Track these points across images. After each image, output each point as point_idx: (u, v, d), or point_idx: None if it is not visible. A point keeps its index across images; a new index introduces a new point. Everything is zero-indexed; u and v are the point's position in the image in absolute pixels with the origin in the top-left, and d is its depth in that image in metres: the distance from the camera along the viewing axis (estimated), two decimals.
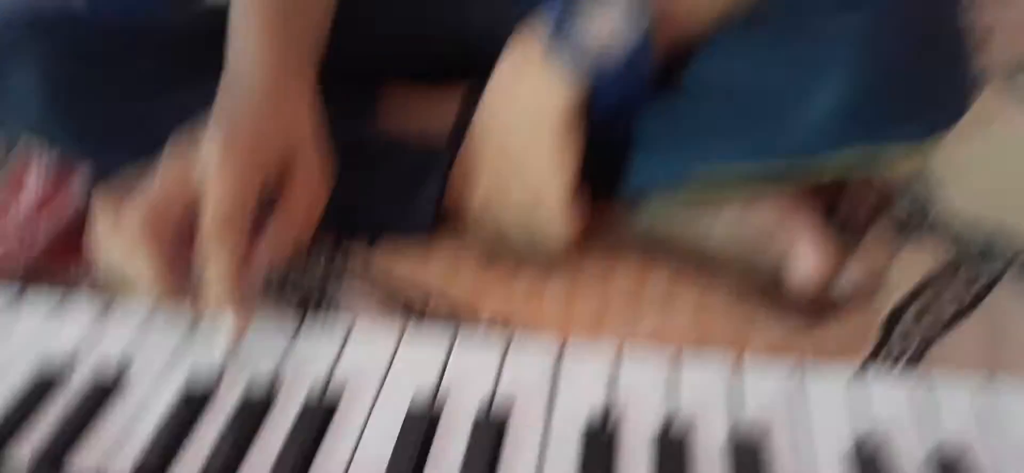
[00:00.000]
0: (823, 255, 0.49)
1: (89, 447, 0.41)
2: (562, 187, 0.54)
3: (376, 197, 0.62)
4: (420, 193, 0.62)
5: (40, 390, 0.44)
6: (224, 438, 0.41)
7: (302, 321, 0.47)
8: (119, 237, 0.45)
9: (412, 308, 0.56)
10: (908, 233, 0.60)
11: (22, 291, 0.60)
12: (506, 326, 0.54)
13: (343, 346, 0.45)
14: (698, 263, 0.57)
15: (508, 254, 0.59)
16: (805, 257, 0.49)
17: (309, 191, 0.51)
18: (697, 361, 0.41)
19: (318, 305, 0.58)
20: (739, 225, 0.54)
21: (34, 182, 0.67)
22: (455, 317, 0.55)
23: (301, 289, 0.58)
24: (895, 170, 0.59)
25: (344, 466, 0.39)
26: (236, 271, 0.45)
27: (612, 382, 0.41)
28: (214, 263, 0.45)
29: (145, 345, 0.46)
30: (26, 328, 0.48)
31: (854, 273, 0.52)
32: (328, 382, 0.43)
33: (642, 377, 0.41)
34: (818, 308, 0.52)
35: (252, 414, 0.42)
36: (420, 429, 0.40)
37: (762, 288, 0.54)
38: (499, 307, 0.55)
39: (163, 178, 0.47)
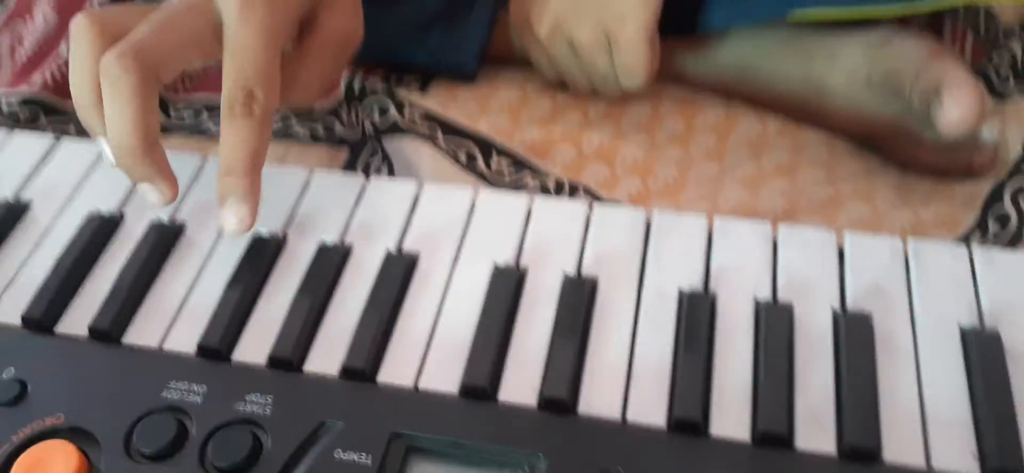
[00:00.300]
0: (978, 97, 0.45)
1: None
2: (649, 15, 0.50)
3: (417, 29, 0.57)
4: (468, 21, 0.57)
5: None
6: (299, 301, 0.39)
7: (367, 177, 0.44)
8: (99, 63, 0.39)
9: (473, 161, 0.53)
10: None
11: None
12: (576, 184, 0.51)
13: (414, 206, 0.43)
14: (798, 109, 0.53)
15: (576, 95, 0.56)
16: (959, 97, 0.44)
17: (341, 26, 0.46)
18: (796, 232, 0.39)
19: (370, 160, 0.55)
20: (872, 63, 0.49)
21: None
22: (522, 172, 0.52)
23: (350, 142, 0.55)
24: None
25: (430, 327, 0.38)
26: (258, 157, 0.39)
27: (706, 250, 0.39)
28: (236, 144, 0.39)
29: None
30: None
31: (993, 130, 0.48)
32: (401, 244, 0.41)
33: (738, 246, 0.39)
34: (950, 162, 0.49)
35: (324, 276, 0.40)
36: (508, 289, 0.38)
37: (888, 135, 0.50)
38: (569, 162, 0.52)
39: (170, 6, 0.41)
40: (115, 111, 0.39)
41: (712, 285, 0.38)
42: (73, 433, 0.35)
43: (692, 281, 0.38)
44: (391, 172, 0.53)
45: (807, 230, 0.39)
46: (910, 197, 0.49)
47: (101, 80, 0.39)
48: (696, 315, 0.36)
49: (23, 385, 0.36)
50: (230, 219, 0.39)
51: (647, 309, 0.37)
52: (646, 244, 0.40)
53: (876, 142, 0.52)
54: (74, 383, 0.36)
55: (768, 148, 0.53)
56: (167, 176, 0.41)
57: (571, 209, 0.42)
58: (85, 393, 0.36)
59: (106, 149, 0.41)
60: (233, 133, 0.39)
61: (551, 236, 0.41)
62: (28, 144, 0.48)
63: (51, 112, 0.59)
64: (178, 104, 0.60)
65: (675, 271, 0.39)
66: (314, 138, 0.56)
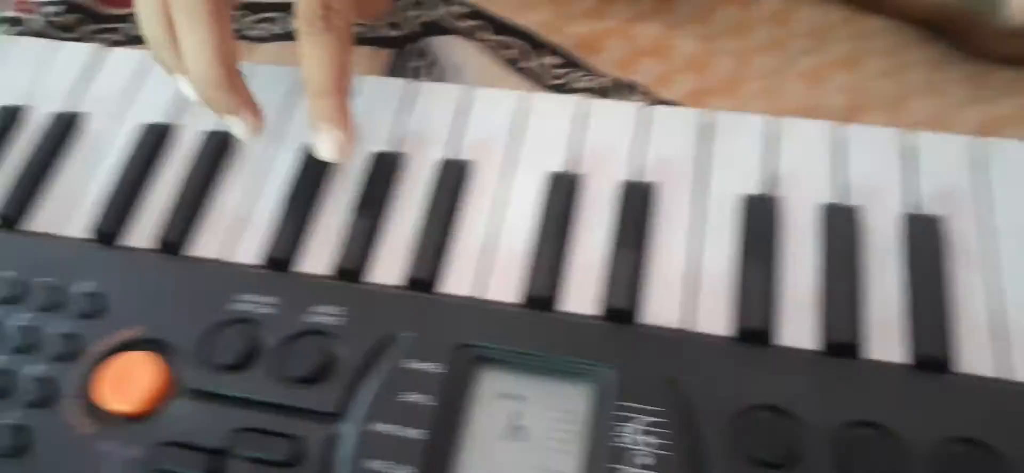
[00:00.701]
0: None
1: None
2: None
3: None
4: None
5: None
6: (360, 212, 0.39)
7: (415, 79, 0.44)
8: None
9: (519, 60, 0.52)
10: None
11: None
12: (630, 82, 0.50)
13: (465, 111, 0.42)
14: None
15: None
16: None
17: None
18: (863, 132, 0.39)
19: (415, 63, 0.54)
20: None
21: None
22: (571, 70, 0.51)
23: (393, 42, 0.54)
24: None
25: (488, 236, 0.38)
26: (346, 73, 0.38)
27: (768, 153, 0.39)
28: (320, 61, 0.37)
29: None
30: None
31: None
32: (454, 151, 0.41)
33: (802, 147, 0.38)
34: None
35: (380, 185, 0.40)
36: (565, 196, 0.38)
37: (958, 20, 0.47)
38: (620, 58, 0.51)
39: None
40: (192, 42, 0.37)
41: (776, 188, 0.38)
42: (152, 344, 0.36)
43: (754, 184, 0.38)
44: (434, 73, 0.53)
45: (875, 130, 0.38)
46: (982, 90, 0.48)
47: (173, 12, 0.38)
48: (760, 220, 0.36)
49: (102, 297, 0.37)
50: (326, 145, 0.37)
51: (709, 215, 0.37)
52: (706, 147, 0.39)
53: (945, 29, 0.50)
54: (149, 295, 0.37)
55: (830, 38, 0.51)
56: (252, 106, 0.39)
57: (628, 111, 0.41)
58: (160, 305, 0.37)
59: (185, 87, 0.40)
60: (315, 49, 0.37)
61: (608, 140, 0.40)
62: (77, 55, 0.48)
63: (92, 18, 0.59)
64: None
65: (737, 174, 0.38)
66: (356, 40, 0.55)
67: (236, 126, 0.39)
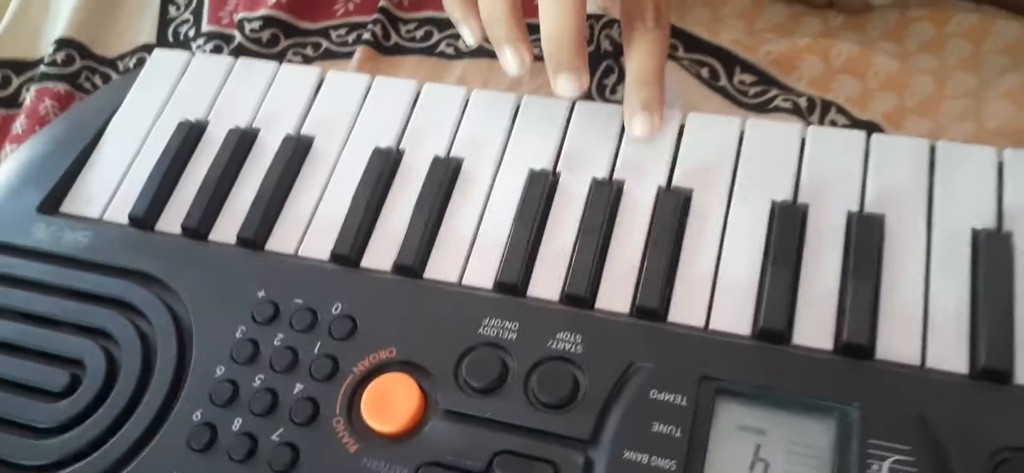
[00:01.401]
0: None
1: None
2: None
3: None
4: None
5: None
6: (585, 239, 0.41)
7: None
8: None
9: (716, 78, 0.53)
10: None
11: None
12: (827, 100, 0.50)
13: (678, 137, 0.44)
14: None
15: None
16: None
17: None
18: None
19: (606, 80, 0.56)
20: None
21: None
22: (768, 88, 0.52)
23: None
24: None
25: (713, 266, 0.39)
26: (664, 67, 0.44)
27: (998, 184, 0.39)
28: (650, 54, 0.43)
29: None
30: None
31: None
32: (670, 178, 0.43)
33: None
34: None
35: (600, 212, 0.42)
36: (793, 227, 0.39)
37: None
38: (816, 76, 0.52)
39: None
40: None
41: (1006, 223, 0.38)
42: (406, 366, 0.39)
43: (985, 219, 0.38)
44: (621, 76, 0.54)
45: None
46: None
47: None
48: (994, 256, 0.36)
49: (353, 320, 0.40)
50: (642, 126, 0.42)
51: (939, 248, 0.38)
52: (931, 177, 0.40)
53: None
54: (396, 317, 0.40)
55: None
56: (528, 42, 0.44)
57: (849, 139, 0.42)
58: (409, 328, 0.40)
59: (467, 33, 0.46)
60: (647, 44, 0.43)
61: (830, 169, 0.41)
62: (298, 78, 0.51)
63: (291, 32, 0.62)
64: (408, 19, 0.62)
65: (965, 207, 0.38)
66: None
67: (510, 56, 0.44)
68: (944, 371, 0.35)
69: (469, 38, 0.47)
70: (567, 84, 0.42)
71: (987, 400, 0.33)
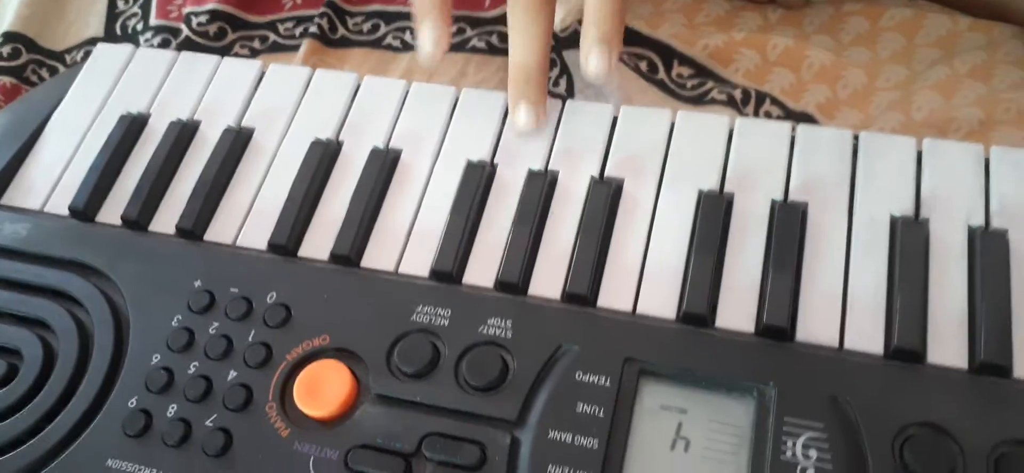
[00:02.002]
0: None
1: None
2: None
3: None
4: None
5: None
6: (518, 228, 0.42)
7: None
8: None
9: (655, 71, 0.54)
10: None
11: None
12: (762, 92, 0.52)
13: (612, 130, 0.45)
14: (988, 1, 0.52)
15: None
16: None
17: None
18: (1009, 154, 0.40)
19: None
20: None
21: None
22: (705, 81, 0.53)
23: None
24: None
25: (642, 254, 0.40)
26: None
27: (916, 173, 0.40)
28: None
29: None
30: None
31: None
32: (603, 169, 0.43)
33: (948, 168, 0.40)
34: None
35: (534, 202, 0.43)
36: (717, 215, 0.40)
37: None
38: (752, 68, 0.53)
39: None
40: None
41: (923, 211, 0.39)
42: (339, 353, 0.39)
43: (903, 206, 0.39)
44: (570, 85, 0.55)
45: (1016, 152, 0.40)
46: None
47: None
48: (911, 242, 0.38)
49: (287, 309, 0.41)
50: (598, 61, 0.43)
51: (859, 235, 0.39)
52: (854, 166, 0.41)
53: None
54: (330, 306, 0.41)
55: (960, 48, 0.52)
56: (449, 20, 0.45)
57: (775, 130, 0.43)
58: (343, 315, 0.40)
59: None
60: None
61: (756, 159, 0.42)
62: (239, 71, 0.52)
63: (239, 25, 0.63)
64: (355, 13, 0.62)
65: (886, 195, 0.40)
66: (491, 49, 0.58)
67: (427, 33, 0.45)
68: (861, 352, 0.36)
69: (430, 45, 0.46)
70: (526, 116, 0.44)
71: (899, 379, 0.34)
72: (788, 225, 0.39)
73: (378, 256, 0.43)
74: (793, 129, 0.42)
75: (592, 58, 0.43)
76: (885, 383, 0.34)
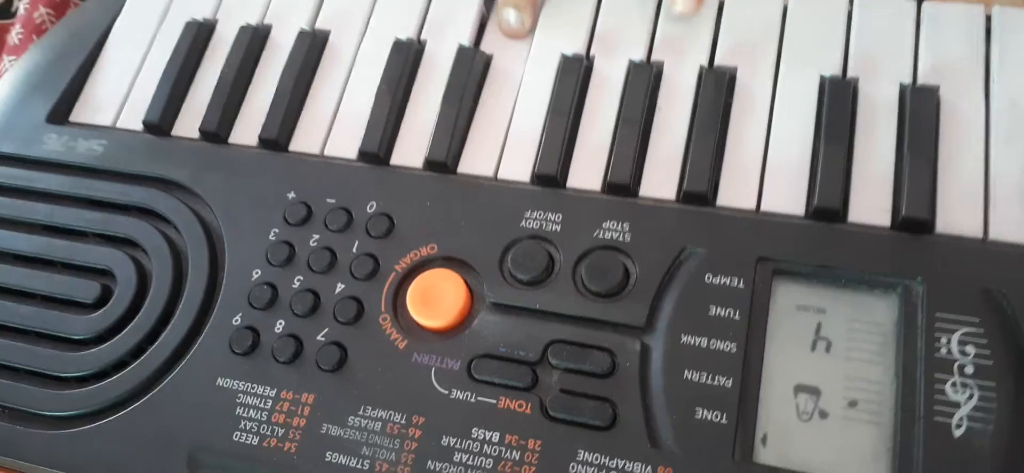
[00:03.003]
0: None
1: None
2: None
3: None
4: None
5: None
6: (624, 127, 0.40)
7: None
8: None
9: None
10: None
11: None
12: None
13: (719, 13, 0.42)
14: None
15: None
16: None
17: None
18: None
19: None
20: None
21: None
22: None
23: None
24: None
25: (763, 148, 0.38)
26: None
27: None
28: None
29: None
30: None
31: None
32: (712, 56, 0.41)
33: None
34: None
35: (641, 98, 0.40)
36: (844, 103, 0.38)
37: None
38: None
39: None
40: None
41: None
42: (449, 262, 0.38)
43: None
44: None
45: None
46: None
47: None
48: None
49: (390, 218, 0.39)
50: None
51: (999, 120, 0.36)
52: (987, 45, 0.38)
53: None
54: (433, 214, 0.39)
55: None
56: None
57: (899, 7, 0.40)
58: (448, 224, 0.39)
59: None
60: None
61: (880, 40, 0.39)
62: None
63: None
64: None
65: None
66: None
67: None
68: (1010, 242, 0.34)
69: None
70: (510, 16, 0.42)
71: None
72: (921, 111, 0.37)
73: (475, 162, 0.41)
74: (918, 7, 0.39)
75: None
76: None
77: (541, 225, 0.38)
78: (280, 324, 0.38)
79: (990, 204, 0.35)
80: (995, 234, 0.34)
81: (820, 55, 0.39)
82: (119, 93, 0.47)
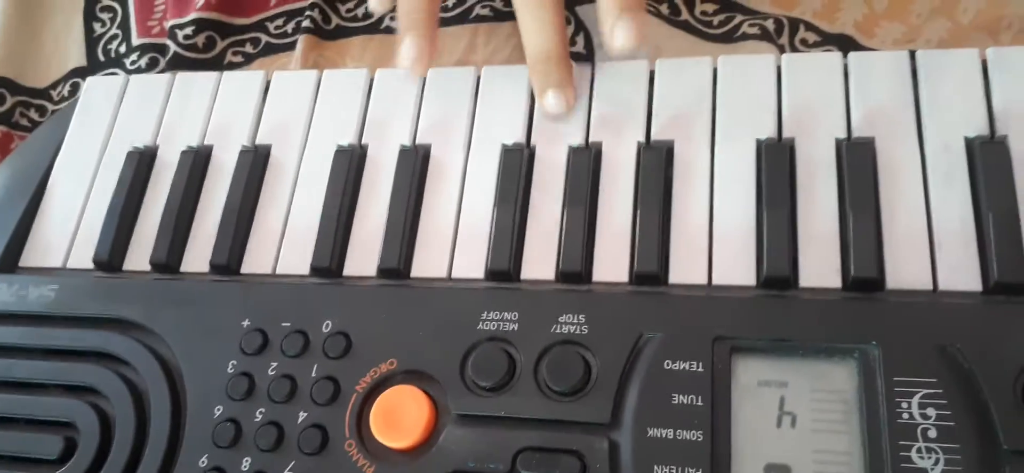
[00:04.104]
0: None
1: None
2: None
3: None
4: None
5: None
6: (572, 212, 0.40)
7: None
8: None
9: (676, 13, 0.51)
10: None
11: None
12: (795, 19, 0.49)
13: (650, 84, 0.42)
14: None
15: None
16: None
17: None
18: None
19: None
20: None
21: None
22: (731, 14, 0.50)
23: None
24: None
25: (706, 219, 0.38)
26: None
27: (987, 91, 0.38)
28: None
29: None
30: None
31: None
32: (648, 133, 0.41)
33: (1021, 80, 0.38)
34: None
35: (583, 182, 0.40)
36: (782, 164, 0.38)
37: None
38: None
39: None
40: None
41: (999, 127, 0.37)
42: (410, 375, 0.37)
43: (977, 126, 0.37)
44: (588, 42, 0.52)
45: None
46: None
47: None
48: (993, 164, 0.36)
49: (346, 336, 0.39)
50: (626, 33, 0.40)
51: (935, 164, 0.37)
52: (916, 90, 0.39)
53: None
54: (390, 326, 0.39)
55: None
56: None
57: (825, 62, 0.40)
58: (405, 335, 0.38)
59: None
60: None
61: (810, 97, 0.40)
62: (243, 84, 0.49)
63: (226, 31, 0.59)
64: None
65: (956, 117, 0.37)
66: (498, 15, 0.55)
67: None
68: (959, 291, 0.34)
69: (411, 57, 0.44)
70: (556, 101, 0.42)
71: (1008, 315, 0.33)
72: (859, 164, 0.37)
73: (428, 264, 0.41)
74: (844, 58, 0.40)
75: (618, 32, 0.40)
76: (992, 321, 0.33)
77: (499, 326, 0.37)
78: (246, 462, 0.37)
79: (936, 252, 0.35)
80: (944, 284, 0.34)
81: (754, 118, 0.40)
82: (67, 232, 0.47)
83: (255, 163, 0.45)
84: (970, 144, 0.37)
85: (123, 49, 0.61)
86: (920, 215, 0.36)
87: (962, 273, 0.34)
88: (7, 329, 0.44)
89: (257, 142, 0.47)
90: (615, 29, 0.40)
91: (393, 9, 0.47)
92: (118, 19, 0.62)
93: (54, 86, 0.61)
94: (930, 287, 0.34)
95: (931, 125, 0.38)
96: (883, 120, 0.38)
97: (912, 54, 0.39)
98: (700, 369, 0.34)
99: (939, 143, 0.37)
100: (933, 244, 0.35)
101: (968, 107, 0.37)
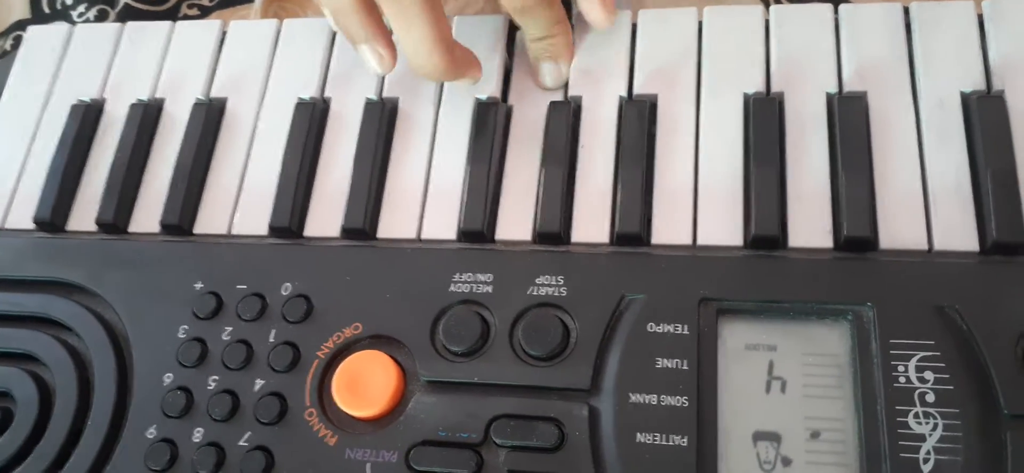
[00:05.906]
0: None
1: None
2: None
3: None
4: None
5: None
6: (550, 170, 0.37)
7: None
8: None
9: None
10: None
11: None
12: None
13: (633, 37, 0.40)
14: None
15: None
16: None
17: None
18: None
19: None
20: None
21: None
22: None
23: None
24: None
25: (691, 176, 0.36)
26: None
27: (983, 44, 0.36)
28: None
29: None
30: None
31: None
32: (630, 86, 0.39)
33: (1019, 32, 0.36)
34: None
35: (563, 139, 0.38)
36: (771, 120, 0.36)
37: None
38: None
39: None
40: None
41: (995, 82, 0.35)
42: (376, 340, 0.35)
43: (973, 80, 0.35)
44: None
45: None
46: None
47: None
48: (990, 119, 0.34)
49: (307, 300, 0.36)
50: (551, 76, 0.39)
51: (930, 120, 0.35)
52: (909, 43, 0.37)
53: None
54: (355, 289, 0.36)
55: None
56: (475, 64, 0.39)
57: (816, 14, 0.38)
58: (371, 298, 0.36)
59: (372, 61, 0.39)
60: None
61: (800, 51, 0.38)
62: (197, 35, 0.46)
63: None
64: None
65: (951, 71, 0.36)
66: None
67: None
68: (955, 251, 0.33)
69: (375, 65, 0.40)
70: (550, 75, 0.40)
71: (1006, 275, 0.31)
72: (851, 120, 0.35)
73: (395, 224, 0.39)
74: (836, 10, 0.38)
75: (594, 9, 0.38)
76: (991, 282, 0.31)
77: (472, 288, 0.35)
78: (198, 432, 0.35)
79: (931, 212, 0.33)
80: (940, 244, 0.33)
81: (741, 72, 0.38)
82: (5, 190, 0.44)
83: (209, 117, 0.43)
84: (966, 99, 0.35)
85: (70, 1, 0.57)
86: (914, 173, 0.34)
87: (958, 233, 0.33)
88: None
89: (212, 95, 0.44)
90: (591, 7, 0.38)
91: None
92: None
93: None
94: (925, 247, 0.33)
95: (925, 79, 0.36)
96: (875, 74, 0.36)
97: (906, 7, 0.37)
98: (685, 332, 0.32)
99: (934, 98, 0.35)
100: (928, 203, 0.34)
101: (964, 61, 0.36)
